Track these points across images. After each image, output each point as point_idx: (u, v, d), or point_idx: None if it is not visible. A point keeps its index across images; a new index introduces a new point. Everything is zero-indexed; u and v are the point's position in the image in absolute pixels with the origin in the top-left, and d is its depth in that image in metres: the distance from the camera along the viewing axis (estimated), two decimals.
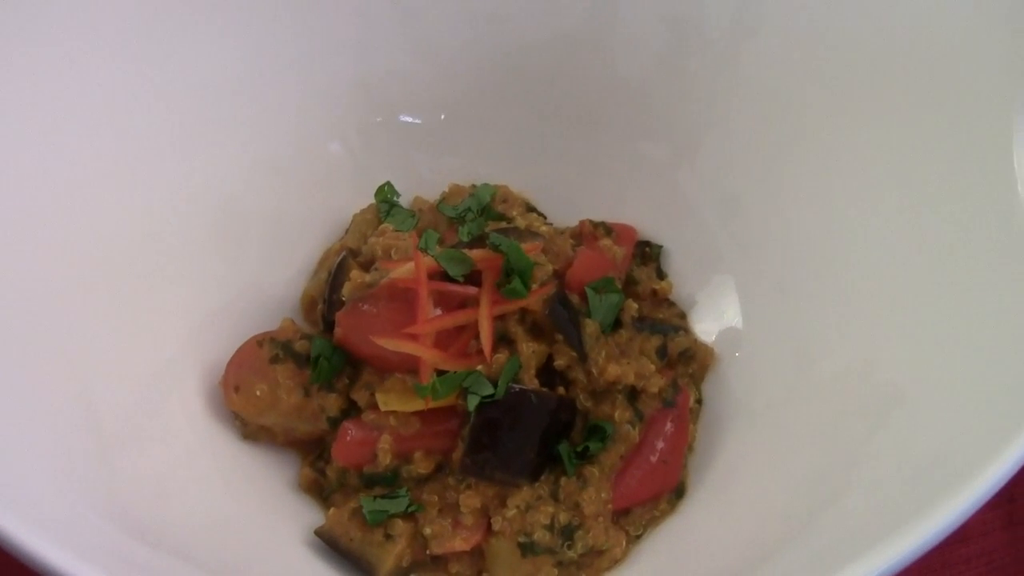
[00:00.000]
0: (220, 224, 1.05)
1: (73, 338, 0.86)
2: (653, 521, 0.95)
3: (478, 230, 1.02)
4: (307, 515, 0.96)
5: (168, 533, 0.80)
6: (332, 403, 0.96)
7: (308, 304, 1.08)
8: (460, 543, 0.91)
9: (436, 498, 0.92)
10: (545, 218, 1.12)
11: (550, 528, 0.90)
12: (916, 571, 0.72)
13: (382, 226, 1.07)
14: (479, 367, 0.90)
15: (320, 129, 1.13)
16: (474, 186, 1.11)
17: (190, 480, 0.90)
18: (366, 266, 1.01)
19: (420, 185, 1.14)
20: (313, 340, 0.98)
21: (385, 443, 0.91)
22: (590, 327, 0.94)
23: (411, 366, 0.91)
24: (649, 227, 1.11)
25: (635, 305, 0.99)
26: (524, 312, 0.95)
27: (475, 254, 0.94)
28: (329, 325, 0.98)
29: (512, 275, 0.93)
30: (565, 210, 1.12)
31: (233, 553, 0.85)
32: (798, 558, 0.74)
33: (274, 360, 0.97)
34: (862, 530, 0.70)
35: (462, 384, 0.90)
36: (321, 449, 0.99)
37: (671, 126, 1.10)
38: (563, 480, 0.92)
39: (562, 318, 0.94)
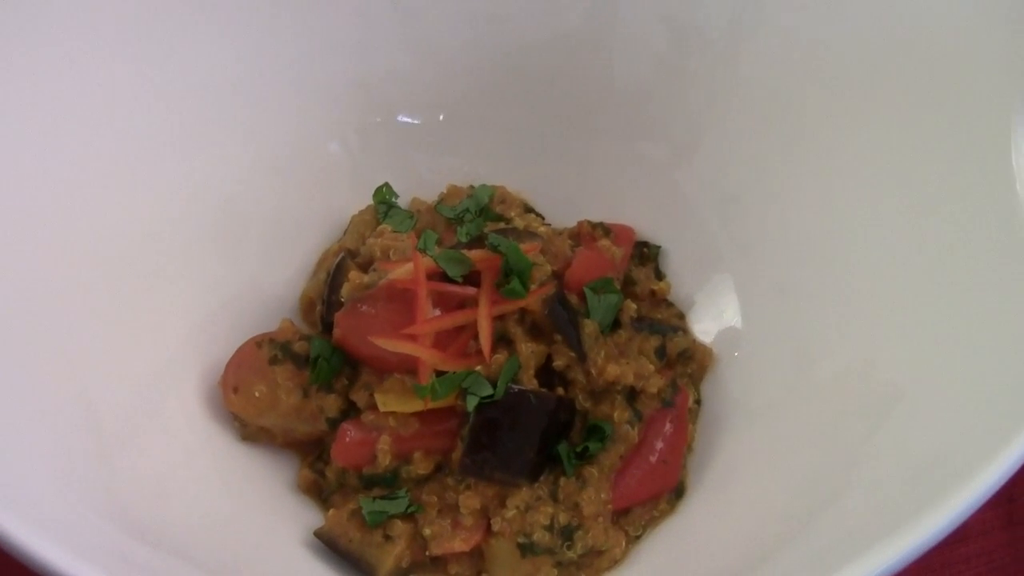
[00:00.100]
0: (219, 224, 1.05)
1: (73, 338, 0.86)
2: (652, 521, 0.95)
3: (477, 231, 1.02)
4: (306, 516, 0.96)
5: (168, 533, 0.80)
6: (331, 404, 0.96)
7: (307, 305, 1.08)
8: (460, 544, 0.91)
9: (435, 499, 0.92)
10: (543, 218, 1.12)
11: (550, 528, 0.90)
12: (916, 571, 0.72)
13: (380, 227, 1.07)
14: (478, 367, 0.90)
15: (319, 129, 1.13)
16: (472, 187, 1.11)
17: (189, 480, 0.90)
18: (365, 267, 1.01)
19: (419, 185, 1.14)
20: (312, 341, 0.97)
21: (384, 444, 0.91)
22: (589, 327, 0.94)
23: (410, 367, 0.91)
24: (648, 227, 1.11)
25: (634, 305, 0.99)
26: (523, 312, 0.95)
27: (474, 255, 0.94)
28: (328, 326, 0.98)
29: (511, 275, 0.93)
30: (563, 210, 1.12)
31: (232, 554, 0.85)
32: (798, 558, 0.74)
33: (273, 361, 0.97)
34: (862, 530, 0.70)
35: (461, 384, 0.90)
36: (320, 450, 0.99)
37: (670, 126, 1.10)
38: (562, 480, 0.92)
39: (561, 318, 0.94)
